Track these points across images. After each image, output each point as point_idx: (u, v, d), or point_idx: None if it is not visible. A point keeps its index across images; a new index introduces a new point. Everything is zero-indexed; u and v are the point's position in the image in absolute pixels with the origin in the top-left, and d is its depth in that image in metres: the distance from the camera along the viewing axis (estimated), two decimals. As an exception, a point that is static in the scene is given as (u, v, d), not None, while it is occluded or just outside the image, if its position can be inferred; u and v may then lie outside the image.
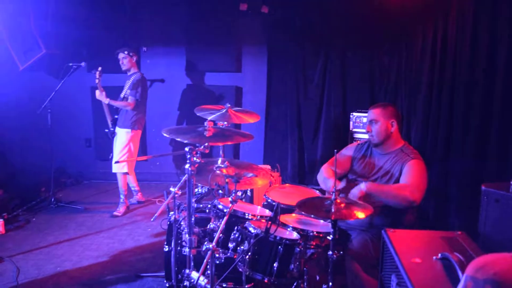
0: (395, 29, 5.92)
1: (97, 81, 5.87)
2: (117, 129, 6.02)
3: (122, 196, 6.11)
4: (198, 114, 4.21)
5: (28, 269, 4.42)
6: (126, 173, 6.08)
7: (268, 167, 5.59)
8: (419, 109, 5.40)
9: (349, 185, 3.67)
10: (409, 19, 5.66)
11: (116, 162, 5.81)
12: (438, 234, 2.48)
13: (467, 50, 4.72)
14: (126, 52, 6.04)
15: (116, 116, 6.05)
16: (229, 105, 4.14)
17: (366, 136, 3.93)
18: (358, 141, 4.28)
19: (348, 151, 3.90)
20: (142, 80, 6.03)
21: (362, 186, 3.31)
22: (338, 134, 6.47)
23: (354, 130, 5.85)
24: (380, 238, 3.17)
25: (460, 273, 1.85)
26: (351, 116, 5.92)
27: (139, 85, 5.97)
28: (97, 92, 5.90)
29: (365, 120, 5.56)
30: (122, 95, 6.02)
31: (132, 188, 6.41)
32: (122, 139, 5.97)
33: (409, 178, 3.37)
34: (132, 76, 6.07)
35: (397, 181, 3.44)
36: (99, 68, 5.90)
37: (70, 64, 6.19)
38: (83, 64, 6.21)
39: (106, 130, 6.12)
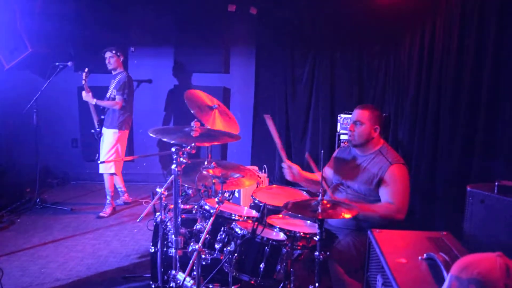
0: (384, 31, 5.96)
1: (83, 82, 5.84)
2: (104, 130, 5.98)
3: (108, 197, 6.06)
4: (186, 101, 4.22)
5: (12, 270, 4.37)
6: (113, 174, 6.05)
7: (256, 168, 5.59)
8: (407, 110, 5.43)
9: (334, 188, 3.69)
10: (397, 22, 5.70)
11: (102, 162, 5.77)
12: (423, 235, 2.49)
13: (454, 52, 4.74)
14: (113, 52, 6.00)
15: (102, 117, 6.01)
16: (218, 106, 4.15)
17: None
18: (345, 143, 4.29)
19: (333, 155, 3.94)
20: (128, 80, 6.00)
21: None
22: (326, 135, 6.48)
23: (342, 131, 5.87)
24: (364, 241, 3.20)
25: (445, 273, 1.86)
26: (338, 117, 5.94)
27: (125, 85, 5.93)
28: (84, 93, 5.86)
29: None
30: (108, 95, 5.99)
31: (119, 189, 6.37)
32: (110, 140, 5.93)
33: (394, 195, 3.35)
34: (117, 75, 6.03)
35: (379, 183, 3.43)
36: (86, 69, 5.87)
37: (57, 63, 6.15)
38: (69, 63, 6.17)
39: (92, 131, 6.08)
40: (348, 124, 3.66)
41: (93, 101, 5.85)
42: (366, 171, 3.51)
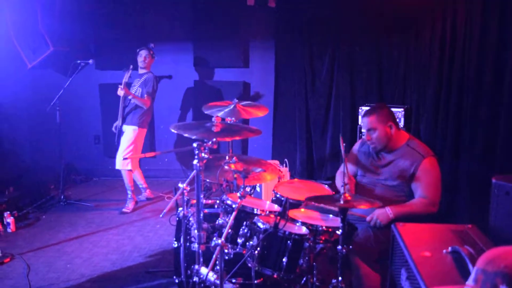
0: (404, 22, 5.87)
1: (126, 79, 5.91)
2: (124, 127, 6.04)
3: (129, 192, 6.13)
4: (206, 112, 4.21)
5: (39, 266, 4.45)
6: (130, 170, 6.12)
7: (277, 162, 5.58)
8: (429, 102, 5.36)
9: (360, 186, 3.67)
10: (417, 12, 5.61)
11: (125, 158, 5.82)
12: (448, 228, 2.46)
13: (477, 40, 4.67)
14: (151, 52, 6.09)
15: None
16: (237, 100, 4.13)
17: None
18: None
19: (354, 147, 3.91)
20: (155, 79, 6.07)
21: (389, 213, 3.30)
22: (347, 129, 6.43)
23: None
24: (384, 231, 3.19)
25: (470, 266, 1.84)
26: (360, 110, 5.90)
27: (152, 84, 6.01)
28: (119, 89, 5.86)
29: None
30: (132, 91, 6.02)
31: (140, 186, 6.42)
32: (129, 136, 5.99)
33: (427, 189, 3.37)
34: (144, 75, 6.08)
35: (412, 177, 3.41)
36: (131, 66, 5.98)
37: (78, 61, 6.23)
38: (90, 61, 6.25)
39: (115, 125, 6.14)
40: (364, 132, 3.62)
41: (130, 95, 5.91)
42: (396, 166, 3.48)
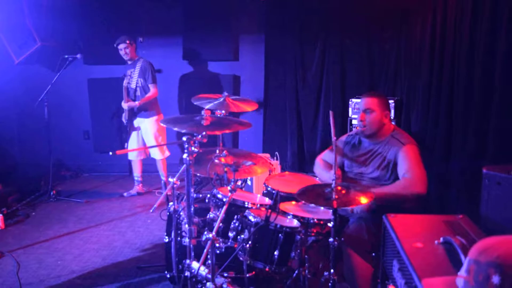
0: (395, 15, 5.88)
1: (125, 84, 5.97)
2: (142, 120, 6.07)
3: (163, 178, 6.37)
4: (195, 103, 4.17)
5: (29, 263, 4.41)
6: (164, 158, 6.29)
7: (268, 155, 5.56)
8: (419, 93, 5.36)
9: (347, 178, 3.67)
10: (408, 4, 5.60)
11: (113, 154, 5.80)
12: (439, 218, 2.45)
13: (467, 32, 4.66)
14: (127, 41, 6.00)
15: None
16: (227, 93, 4.10)
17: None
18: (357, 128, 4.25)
19: (341, 139, 3.90)
20: (150, 66, 6.06)
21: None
22: (337, 121, 6.42)
23: (353, 116, 5.81)
24: (376, 223, 3.18)
25: (462, 257, 1.83)
26: (350, 102, 5.89)
27: (151, 71, 6.02)
28: (123, 102, 5.98)
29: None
30: (133, 85, 6.00)
31: (136, 178, 6.40)
32: (154, 128, 6.10)
33: (409, 172, 3.33)
34: (137, 63, 6.05)
35: (394, 166, 3.41)
36: (128, 72, 6.01)
37: (66, 56, 6.16)
38: (78, 56, 6.20)
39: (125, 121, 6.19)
40: (359, 112, 3.60)
41: (136, 104, 5.95)
42: (380, 157, 3.50)
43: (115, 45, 6.01)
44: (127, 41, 5.98)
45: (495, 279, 1.43)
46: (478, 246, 1.55)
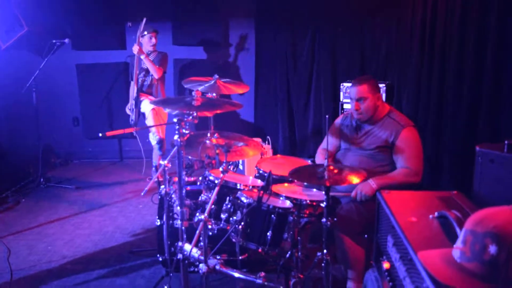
0: (386, 1, 5.84)
1: (139, 32, 5.80)
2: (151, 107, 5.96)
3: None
4: (186, 86, 4.13)
5: (19, 249, 4.38)
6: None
7: (259, 140, 5.54)
8: (410, 78, 5.35)
9: (343, 153, 3.67)
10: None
11: (101, 136, 5.72)
12: (433, 194, 2.46)
13: (458, 15, 4.67)
14: (156, 31, 6.00)
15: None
16: (217, 76, 4.06)
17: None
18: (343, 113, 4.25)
19: (336, 121, 3.90)
20: (166, 56, 6.03)
21: (372, 184, 3.29)
22: (329, 105, 6.41)
23: (345, 100, 5.79)
24: (366, 205, 3.19)
25: (458, 229, 1.82)
26: (341, 86, 5.86)
27: (165, 59, 6.00)
28: (135, 46, 5.79)
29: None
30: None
31: (154, 164, 6.30)
32: (151, 115, 5.79)
33: (409, 160, 3.39)
34: (151, 55, 5.99)
35: (392, 147, 3.43)
36: (145, 19, 5.81)
37: (54, 41, 6.06)
38: (66, 40, 6.09)
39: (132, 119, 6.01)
40: (352, 102, 3.57)
41: (142, 54, 5.78)
42: (377, 136, 3.51)
43: (144, 34, 5.92)
44: (157, 31, 6.01)
45: (492, 248, 1.42)
46: (474, 217, 1.55)
